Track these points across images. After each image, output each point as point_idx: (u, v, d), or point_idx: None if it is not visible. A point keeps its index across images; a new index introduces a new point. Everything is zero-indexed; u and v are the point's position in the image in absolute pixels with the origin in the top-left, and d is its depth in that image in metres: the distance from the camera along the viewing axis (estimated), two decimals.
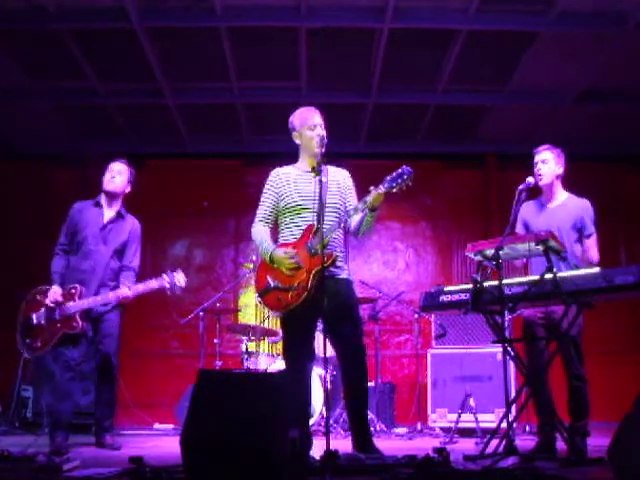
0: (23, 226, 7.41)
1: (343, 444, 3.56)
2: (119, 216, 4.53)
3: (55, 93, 6.52)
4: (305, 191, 3.57)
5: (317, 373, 5.44)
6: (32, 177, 7.61)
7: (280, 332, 3.97)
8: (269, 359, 5.87)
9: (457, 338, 5.92)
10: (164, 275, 4.33)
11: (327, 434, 2.74)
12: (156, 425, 6.53)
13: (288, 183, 3.62)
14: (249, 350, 5.96)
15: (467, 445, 4.60)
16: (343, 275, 3.58)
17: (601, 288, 3.17)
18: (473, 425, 5.15)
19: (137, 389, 6.64)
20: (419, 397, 5.93)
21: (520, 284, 3.43)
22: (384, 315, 6.81)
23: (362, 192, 3.68)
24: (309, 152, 3.62)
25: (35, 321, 4.31)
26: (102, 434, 4.40)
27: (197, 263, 7.70)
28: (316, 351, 3.91)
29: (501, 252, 3.42)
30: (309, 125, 3.60)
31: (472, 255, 3.59)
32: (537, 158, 3.98)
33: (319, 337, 3.96)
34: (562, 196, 4.00)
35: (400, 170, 3.34)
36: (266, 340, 6.27)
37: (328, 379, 5.47)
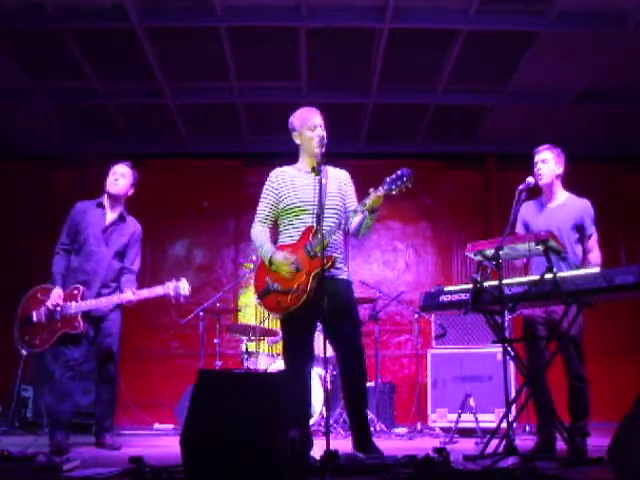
0: (23, 226, 7.41)
1: (343, 444, 3.57)
2: (121, 218, 4.54)
3: (55, 93, 6.52)
4: (305, 192, 3.57)
5: (317, 373, 5.45)
6: (32, 177, 7.62)
7: (280, 332, 3.97)
8: (269, 359, 5.87)
9: (457, 338, 5.92)
10: (169, 283, 4.34)
11: (327, 434, 2.74)
12: (156, 425, 6.53)
13: (288, 184, 3.62)
14: (249, 350, 5.96)
15: (467, 445, 4.60)
16: (342, 276, 3.57)
17: (601, 288, 3.17)
18: (473, 425, 5.15)
19: (137, 389, 6.65)
20: (419, 397, 5.93)
21: (520, 284, 3.44)
22: (384, 315, 6.81)
23: (362, 192, 3.68)
24: (309, 152, 3.62)
25: (35, 318, 4.31)
26: (102, 434, 4.40)
27: (197, 263, 7.71)
28: (316, 351, 3.91)
29: (501, 252, 3.42)
30: (309, 125, 3.60)
31: (472, 255, 3.59)
32: (537, 158, 3.98)
33: (319, 337, 3.96)
34: (562, 196, 4.00)
35: (400, 172, 3.34)
36: (266, 340, 6.27)
37: (328, 379, 5.47)
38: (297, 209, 3.56)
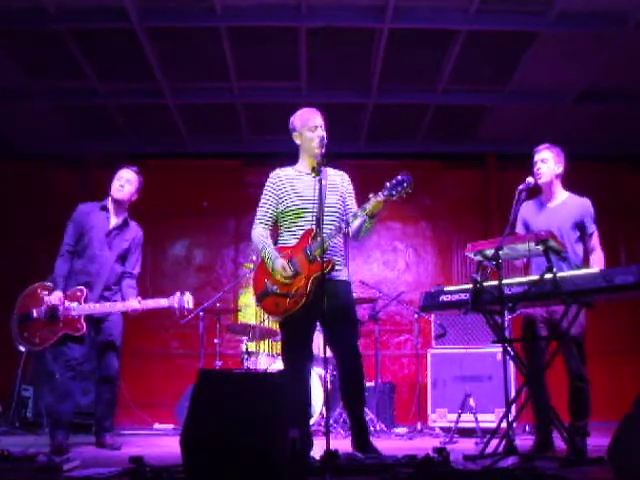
0: (23, 226, 7.42)
1: (343, 444, 3.57)
2: (125, 223, 4.57)
3: (55, 93, 6.52)
4: (305, 193, 3.57)
5: (317, 373, 5.45)
6: (32, 177, 7.61)
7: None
8: (269, 359, 5.88)
9: (457, 338, 5.91)
10: (173, 296, 4.39)
11: (327, 434, 2.73)
12: (156, 425, 6.53)
13: (287, 185, 3.62)
14: (249, 350, 5.96)
15: (467, 445, 4.60)
16: (342, 277, 3.57)
17: (601, 288, 3.17)
18: (473, 425, 5.15)
19: (137, 389, 6.65)
20: (419, 397, 5.93)
21: (520, 284, 3.43)
22: (384, 315, 6.81)
23: (362, 193, 3.68)
24: (309, 153, 3.62)
25: (35, 316, 4.32)
26: (102, 434, 4.40)
27: (197, 263, 7.71)
28: (315, 351, 3.91)
29: (501, 252, 3.41)
30: (310, 126, 3.60)
31: (472, 255, 3.59)
32: (537, 157, 3.99)
33: (319, 337, 3.96)
34: (562, 195, 4.00)
35: (400, 177, 3.33)
36: (266, 340, 6.27)
37: (328, 379, 5.47)
38: (297, 209, 3.56)
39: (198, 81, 6.42)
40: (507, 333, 4.43)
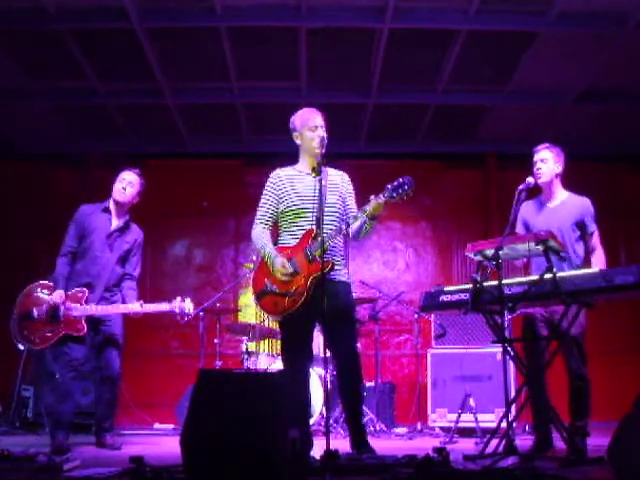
0: (23, 226, 7.42)
1: (343, 444, 3.57)
2: (126, 225, 4.58)
3: (55, 93, 6.52)
4: (305, 194, 3.57)
5: (317, 373, 5.45)
6: (32, 177, 7.62)
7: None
8: (269, 359, 5.87)
9: (457, 338, 5.91)
10: (175, 302, 4.42)
11: (327, 434, 2.74)
12: (156, 425, 6.54)
13: (288, 185, 3.62)
14: (249, 350, 5.96)
15: (467, 445, 4.60)
16: (342, 278, 3.58)
17: (601, 288, 3.17)
18: (473, 425, 5.15)
19: (137, 389, 6.65)
20: (419, 397, 5.93)
21: (520, 284, 3.43)
22: (384, 315, 6.80)
23: (362, 193, 3.68)
24: (309, 153, 3.62)
25: (36, 314, 4.32)
26: (102, 434, 4.40)
27: (197, 263, 7.71)
28: (315, 351, 3.91)
29: (501, 252, 3.42)
30: (310, 126, 3.60)
31: (472, 255, 3.60)
32: (536, 157, 3.99)
33: (318, 337, 3.96)
34: (562, 195, 4.00)
35: (401, 179, 3.33)
36: (266, 340, 6.27)
37: (328, 379, 5.47)
38: (298, 210, 3.56)
39: (198, 81, 6.42)
40: (507, 333, 4.43)
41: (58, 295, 4.26)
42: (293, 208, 3.57)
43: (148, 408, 6.72)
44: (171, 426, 6.21)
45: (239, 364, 6.14)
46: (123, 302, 4.45)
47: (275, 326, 6.21)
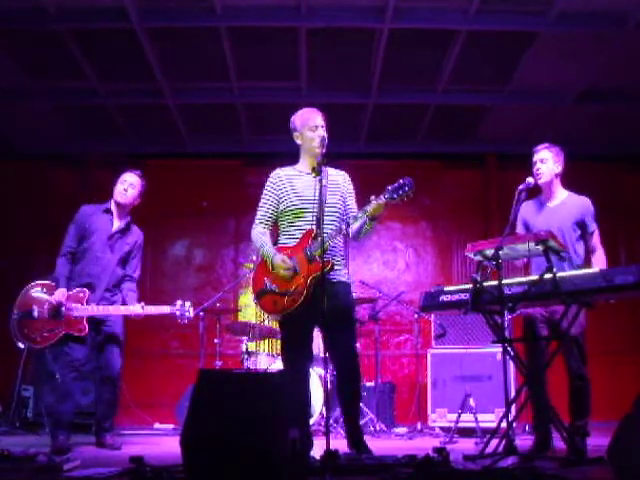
0: (23, 226, 7.42)
1: (343, 444, 3.57)
2: (127, 227, 4.60)
3: (55, 93, 6.52)
4: (305, 194, 3.57)
5: (317, 373, 5.45)
6: (32, 177, 7.62)
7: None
8: (269, 359, 5.87)
9: (457, 338, 5.91)
10: (176, 304, 4.49)
11: (327, 434, 2.74)
12: (156, 425, 6.53)
13: (288, 185, 3.62)
14: (249, 350, 5.96)
15: (467, 445, 4.60)
16: (341, 278, 3.58)
17: (601, 288, 3.17)
18: (473, 425, 5.15)
19: (137, 389, 6.64)
20: (419, 397, 5.93)
21: (520, 284, 3.43)
22: (384, 315, 6.81)
23: (362, 192, 3.68)
24: (310, 153, 3.62)
25: (37, 314, 4.32)
26: (102, 434, 4.41)
27: (197, 263, 7.71)
28: (315, 351, 3.92)
29: (501, 252, 3.42)
30: (310, 126, 3.60)
31: (472, 255, 3.60)
32: (536, 157, 3.99)
33: (318, 337, 3.96)
34: (562, 195, 4.00)
35: (402, 181, 3.33)
36: (266, 340, 6.27)
37: (328, 379, 5.47)
38: (298, 210, 3.56)
39: (198, 81, 6.42)
40: (507, 333, 4.42)
41: (61, 293, 4.27)
42: (292, 208, 3.57)
43: (148, 408, 6.72)
44: (171, 426, 6.21)
45: (239, 364, 6.14)
46: (123, 302, 4.46)
47: (275, 326, 6.22)
